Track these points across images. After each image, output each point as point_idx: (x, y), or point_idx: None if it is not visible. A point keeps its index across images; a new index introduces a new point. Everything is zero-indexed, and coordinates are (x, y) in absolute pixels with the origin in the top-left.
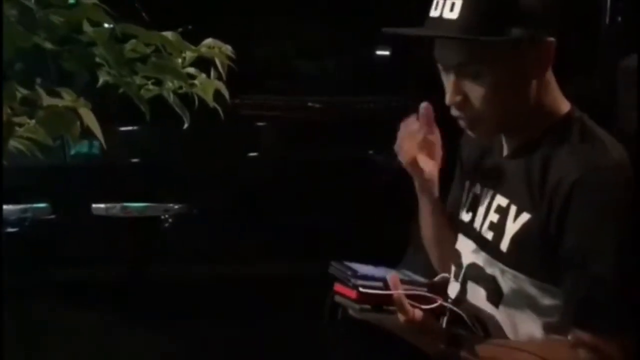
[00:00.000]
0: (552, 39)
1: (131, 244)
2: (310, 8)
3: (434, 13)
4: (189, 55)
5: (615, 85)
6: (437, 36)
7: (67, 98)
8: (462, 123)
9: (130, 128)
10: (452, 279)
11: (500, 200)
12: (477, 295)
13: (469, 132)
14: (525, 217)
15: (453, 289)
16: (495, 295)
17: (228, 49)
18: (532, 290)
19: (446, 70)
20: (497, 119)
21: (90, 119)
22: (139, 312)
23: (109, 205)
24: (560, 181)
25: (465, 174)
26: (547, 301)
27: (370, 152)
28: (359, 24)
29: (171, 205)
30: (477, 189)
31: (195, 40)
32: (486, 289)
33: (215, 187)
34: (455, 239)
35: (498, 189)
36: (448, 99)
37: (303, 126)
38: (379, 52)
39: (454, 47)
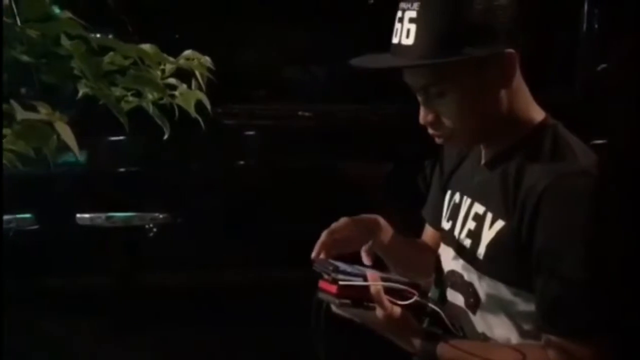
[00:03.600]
0: (512, 50)
1: (117, 254)
2: (300, 15)
3: (394, 40)
4: (168, 66)
5: (593, 92)
6: (393, 67)
7: (43, 112)
8: (438, 140)
9: (114, 137)
10: (432, 285)
11: (478, 208)
12: (456, 301)
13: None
14: (499, 224)
15: (433, 295)
16: (473, 302)
17: (207, 60)
18: (507, 296)
19: (416, 92)
20: (470, 132)
21: (66, 133)
22: (125, 321)
23: (94, 215)
24: (531, 189)
25: (446, 182)
26: (522, 307)
27: (359, 160)
28: (348, 30)
29: (157, 214)
30: (457, 197)
31: (183, 49)
32: (464, 295)
33: (202, 196)
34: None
35: (476, 197)
36: (421, 119)
37: (292, 135)
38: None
39: (416, 71)
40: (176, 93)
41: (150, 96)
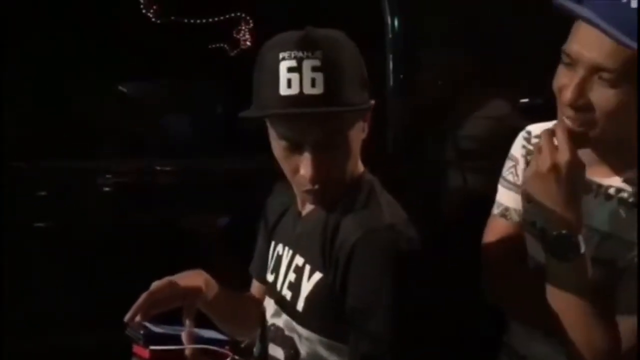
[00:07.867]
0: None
1: None
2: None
3: (289, 91)
4: None
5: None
6: (312, 112)
7: None
8: (311, 197)
9: None
10: (257, 339)
11: (298, 260)
12: (277, 356)
13: (316, 203)
14: (317, 276)
15: (257, 350)
16: (293, 356)
17: None
18: (324, 350)
19: (299, 147)
20: (342, 185)
21: None
22: None
23: None
24: (344, 242)
25: (270, 234)
26: None
27: (213, 215)
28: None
29: None
30: (280, 248)
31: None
32: (284, 349)
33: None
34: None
35: (297, 248)
36: (310, 177)
37: (140, 190)
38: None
39: (315, 123)
40: None
41: None
